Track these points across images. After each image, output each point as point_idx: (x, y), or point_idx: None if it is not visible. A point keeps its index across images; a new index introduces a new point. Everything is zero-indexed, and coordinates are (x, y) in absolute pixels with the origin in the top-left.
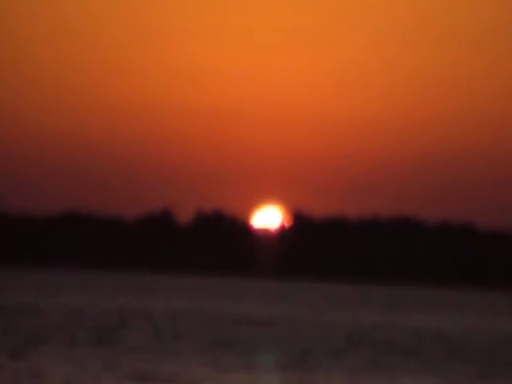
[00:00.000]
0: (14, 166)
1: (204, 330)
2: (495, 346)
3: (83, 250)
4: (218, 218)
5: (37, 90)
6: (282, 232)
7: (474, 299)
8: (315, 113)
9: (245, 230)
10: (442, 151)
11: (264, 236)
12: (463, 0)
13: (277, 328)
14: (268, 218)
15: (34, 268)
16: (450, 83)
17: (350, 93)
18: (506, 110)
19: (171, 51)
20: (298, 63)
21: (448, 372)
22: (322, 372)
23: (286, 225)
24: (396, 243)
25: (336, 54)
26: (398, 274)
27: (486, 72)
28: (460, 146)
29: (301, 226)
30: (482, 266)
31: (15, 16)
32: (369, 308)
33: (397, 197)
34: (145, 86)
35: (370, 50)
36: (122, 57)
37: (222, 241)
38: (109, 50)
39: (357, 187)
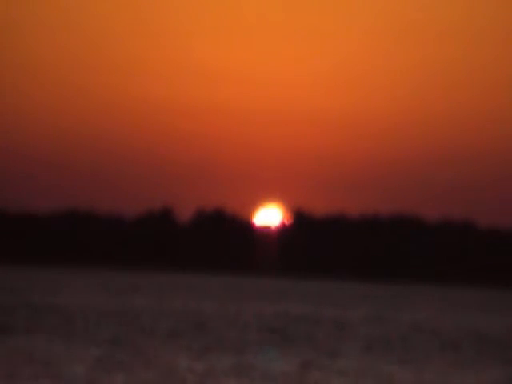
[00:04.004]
0: (15, 164)
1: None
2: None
3: (83, 248)
4: (218, 217)
5: (40, 88)
6: (283, 230)
7: (474, 297)
8: (316, 111)
9: (246, 228)
10: (442, 149)
11: (265, 234)
12: None
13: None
14: (269, 216)
15: (34, 266)
16: (449, 81)
17: (351, 91)
18: (507, 108)
19: (176, 50)
20: (297, 62)
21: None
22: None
23: (287, 223)
24: (396, 241)
25: (337, 52)
26: (399, 272)
27: (487, 69)
28: (460, 144)
29: (301, 224)
30: (482, 264)
31: (19, 15)
32: (373, 304)
33: (397, 195)
34: (147, 85)
35: (371, 47)
36: (127, 55)
37: (222, 239)
38: (115, 48)
39: (357, 185)
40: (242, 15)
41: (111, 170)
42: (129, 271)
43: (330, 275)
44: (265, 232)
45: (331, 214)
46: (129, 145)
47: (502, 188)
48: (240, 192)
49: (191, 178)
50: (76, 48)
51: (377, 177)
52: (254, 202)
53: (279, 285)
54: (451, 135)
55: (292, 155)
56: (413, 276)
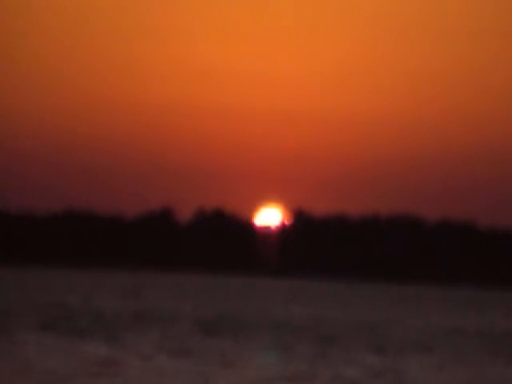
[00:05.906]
0: (14, 164)
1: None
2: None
3: (83, 248)
4: (218, 217)
5: (40, 88)
6: (283, 230)
7: (474, 297)
8: (316, 111)
9: (246, 228)
10: (442, 149)
11: (265, 234)
12: None
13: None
14: (269, 216)
15: (33, 266)
16: (449, 80)
17: (351, 91)
18: (506, 108)
19: (177, 50)
20: (297, 62)
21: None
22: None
23: (287, 223)
24: (396, 241)
25: (337, 52)
26: (399, 272)
27: (485, 69)
28: (460, 144)
29: (302, 224)
30: (482, 264)
31: (19, 14)
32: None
33: (397, 195)
34: (148, 85)
35: (371, 47)
36: (127, 55)
37: (222, 239)
38: (115, 48)
39: (357, 185)
40: (242, 16)
41: (111, 169)
42: (129, 271)
43: (330, 275)
44: (265, 232)
45: (331, 214)
46: (128, 145)
47: (502, 188)
48: (240, 192)
49: (191, 178)
50: (76, 48)
51: (377, 177)
52: (254, 202)
53: (279, 285)
54: (451, 135)
55: (292, 155)
56: (413, 276)
